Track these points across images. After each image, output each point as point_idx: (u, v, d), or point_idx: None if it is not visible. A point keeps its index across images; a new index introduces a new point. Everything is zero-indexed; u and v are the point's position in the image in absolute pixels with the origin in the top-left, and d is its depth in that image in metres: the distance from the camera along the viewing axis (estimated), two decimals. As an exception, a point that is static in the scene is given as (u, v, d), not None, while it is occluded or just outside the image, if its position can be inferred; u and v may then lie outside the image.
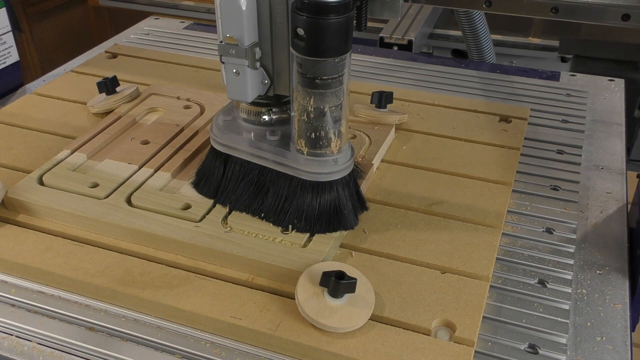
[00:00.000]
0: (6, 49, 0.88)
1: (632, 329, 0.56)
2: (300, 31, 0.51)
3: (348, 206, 0.59)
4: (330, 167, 0.58)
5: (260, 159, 0.60)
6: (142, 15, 1.25)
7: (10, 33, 0.88)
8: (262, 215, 0.60)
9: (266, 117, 0.61)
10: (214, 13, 1.49)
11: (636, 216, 0.65)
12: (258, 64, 0.57)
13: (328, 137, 0.57)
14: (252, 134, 0.61)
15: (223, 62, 0.57)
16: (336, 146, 0.58)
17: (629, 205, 0.69)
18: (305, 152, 0.58)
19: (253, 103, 0.61)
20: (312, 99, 0.55)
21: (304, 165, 0.58)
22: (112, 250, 0.59)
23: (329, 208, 0.59)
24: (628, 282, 0.59)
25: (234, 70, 0.56)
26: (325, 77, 0.53)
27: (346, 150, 0.59)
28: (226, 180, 0.62)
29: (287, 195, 0.59)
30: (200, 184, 0.64)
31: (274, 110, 0.61)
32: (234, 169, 0.62)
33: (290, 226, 0.59)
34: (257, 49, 0.57)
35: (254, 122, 0.62)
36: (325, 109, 0.55)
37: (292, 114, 0.57)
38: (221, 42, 0.56)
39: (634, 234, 0.64)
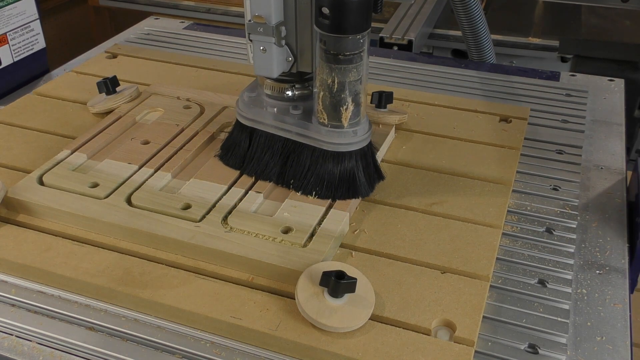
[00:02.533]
0: (34, 35, 0.91)
1: (631, 291, 0.59)
2: (326, 10, 0.56)
3: (365, 175, 0.64)
4: (350, 138, 0.62)
5: (284, 132, 0.65)
6: (142, 15, 1.25)
7: (38, 21, 0.92)
8: (285, 182, 0.64)
9: (289, 93, 0.66)
10: (214, 13, 1.47)
11: (635, 190, 0.67)
12: (283, 42, 0.62)
13: (348, 109, 0.61)
14: (276, 109, 0.66)
15: (251, 40, 0.61)
16: (355, 118, 0.62)
17: (628, 182, 0.71)
18: (326, 124, 0.62)
19: (277, 80, 0.65)
20: (334, 74, 0.59)
21: (325, 136, 0.62)
22: (112, 250, 0.59)
23: (348, 176, 0.63)
24: (627, 247, 0.62)
25: (261, 48, 0.61)
26: (348, 53, 0.58)
27: (364, 122, 0.63)
28: (251, 152, 0.67)
29: (310, 164, 0.63)
30: (227, 156, 0.68)
31: (296, 86, 0.66)
32: (259, 142, 0.66)
33: (313, 192, 0.63)
34: (283, 28, 0.61)
35: (277, 97, 0.66)
36: (346, 83, 0.59)
37: (315, 89, 0.62)
38: (249, 20, 0.60)
39: (633, 206, 0.67)
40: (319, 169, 0.63)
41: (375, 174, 0.66)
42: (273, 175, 0.65)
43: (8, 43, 0.88)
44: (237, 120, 0.68)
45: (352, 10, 0.56)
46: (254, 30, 0.60)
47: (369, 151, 0.65)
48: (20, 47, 0.91)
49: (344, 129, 0.62)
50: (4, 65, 0.88)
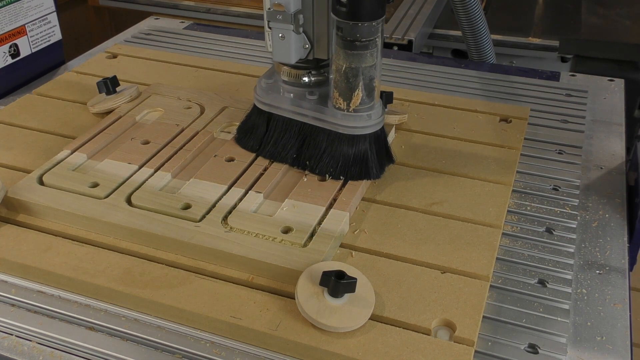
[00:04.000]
0: (51, 27, 0.94)
1: (631, 268, 0.61)
2: None
3: (377, 158, 0.67)
4: (365, 121, 0.65)
5: (300, 116, 0.68)
6: (142, 15, 1.25)
7: (55, 13, 0.95)
8: (301, 163, 0.68)
9: (306, 79, 0.69)
10: (214, 13, 1.47)
11: (634, 175, 0.68)
12: (301, 29, 0.65)
13: (363, 94, 0.63)
14: (292, 94, 0.69)
15: (270, 28, 0.64)
16: (370, 102, 0.64)
17: (627, 165, 0.72)
18: (342, 109, 0.64)
19: (294, 66, 0.68)
20: (350, 60, 0.62)
21: (341, 120, 0.65)
22: (112, 250, 0.59)
23: (361, 158, 0.66)
24: (626, 225, 0.65)
25: (280, 35, 0.64)
26: (363, 39, 0.61)
27: (378, 107, 0.66)
28: (268, 136, 0.70)
29: (325, 147, 0.66)
30: (244, 139, 0.71)
31: (312, 72, 0.69)
32: (276, 126, 0.69)
33: (327, 175, 0.66)
34: (301, 16, 0.64)
35: (294, 83, 0.69)
36: (361, 69, 0.62)
37: (331, 75, 0.64)
38: (269, 9, 0.63)
39: (632, 190, 0.68)
40: (334, 151, 0.66)
41: (386, 157, 0.69)
42: (289, 157, 0.68)
43: (27, 34, 0.91)
44: (254, 106, 0.71)
45: None
46: (273, 18, 0.64)
47: (381, 134, 0.67)
48: (38, 39, 0.93)
49: (359, 112, 0.64)
50: (22, 55, 0.91)
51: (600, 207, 0.69)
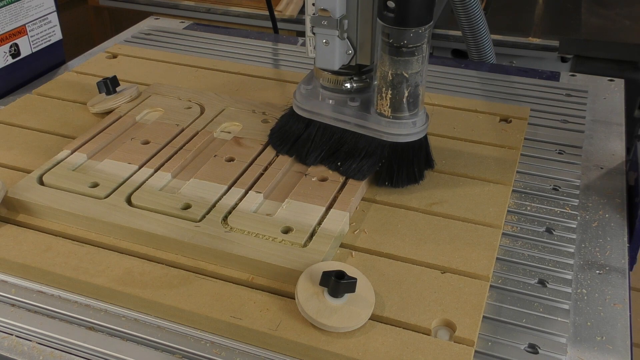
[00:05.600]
0: (51, 27, 0.94)
1: (631, 268, 0.61)
2: (391, 4, 0.58)
3: (419, 164, 0.67)
4: (410, 128, 0.64)
5: (342, 123, 0.67)
6: (142, 15, 1.25)
7: (55, 13, 0.95)
8: (343, 171, 0.66)
9: (348, 85, 0.68)
10: (214, 13, 1.47)
11: (634, 175, 0.68)
12: (345, 35, 0.64)
13: (409, 101, 0.63)
14: (333, 101, 0.68)
15: (314, 33, 0.64)
16: (414, 109, 0.64)
17: (627, 165, 0.72)
18: (387, 115, 0.64)
19: (336, 72, 0.68)
20: (396, 66, 0.61)
21: (385, 127, 0.64)
22: (112, 250, 0.59)
23: (403, 166, 0.66)
24: (627, 225, 0.65)
25: (324, 41, 0.64)
26: (410, 45, 0.60)
27: (422, 114, 0.65)
28: (308, 142, 0.69)
29: (366, 154, 0.66)
30: (280, 146, 0.70)
31: (354, 78, 0.68)
32: (316, 133, 0.68)
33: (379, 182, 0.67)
34: (346, 21, 0.63)
35: (334, 90, 0.69)
36: (408, 75, 0.61)
37: (375, 81, 0.64)
38: (314, 14, 0.63)
39: (632, 189, 0.68)
40: (377, 158, 0.66)
41: (425, 163, 0.68)
42: (332, 165, 0.67)
43: (27, 34, 0.91)
44: (292, 111, 0.70)
45: (417, 3, 0.58)
46: (318, 24, 0.63)
47: (425, 141, 0.67)
48: (38, 39, 0.93)
49: (403, 120, 0.64)
50: (23, 55, 0.91)
51: (600, 207, 0.69)
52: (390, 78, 0.62)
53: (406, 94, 0.62)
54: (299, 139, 0.69)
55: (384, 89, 0.63)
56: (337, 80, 0.68)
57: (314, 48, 0.65)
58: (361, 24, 0.64)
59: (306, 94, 0.69)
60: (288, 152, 0.70)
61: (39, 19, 0.92)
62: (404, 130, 0.64)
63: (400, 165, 0.66)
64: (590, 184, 0.73)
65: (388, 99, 0.63)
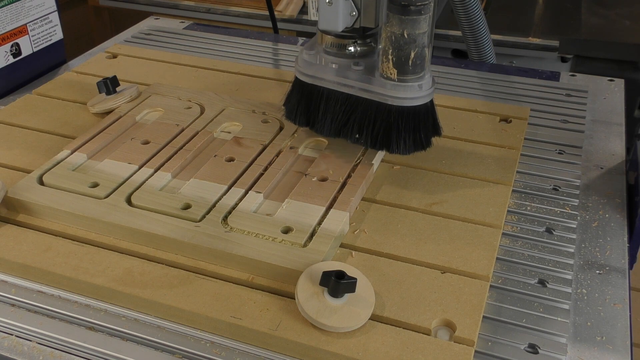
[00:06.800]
0: (52, 27, 0.94)
1: (631, 267, 0.61)
2: None
3: (427, 129, 0.65)
4: (416, 92, 0.62)
5: (346, 87, 0.65)
6: (142, 15, 1.25)
7: (56, 12, 0.95)
8: (351, 136, 0.66)
9: (351, 49, 0.66)
10: (214, 13, 1.47)
11: (634, 174, 0.68)
12: None
13: (415, 63, 0.61)
14: (336, 65, 0.66)
15: None
16: (421, 72, 0.62)
17: (627, 165, 0.72)
18: (392, 78, 0.62)
19: (339, 36, 0.66)
20: (403, 26, 0.60)
21: (390, 90, 0.62)
22: (112, 250, 0.59)
23: (411, 129, 0.64)
24: (627, 225, 0.64)
25: (327, 1, 0.62)
26: (419, 3, 0.59)
27: (428, 77, 0.64)
28: (314, 109, 0.68)
29: (373, 119, 0.64)
30: (293, 116, 0.70)
31: (358, 42, 0.66)
32: (321, 98, 0.67)
33: (377, 145, 0.65)
34: None
35: (337, 54, 0.67)
36: (415, 35, 0.60)
37: (380, 44, 0.62)
38: None
39: (632, 188, 0.68)
40: (382, 122, 0.64)
41: (432, 129, 0.66)
42: (337, 132, 0.66)
43: (28, 34, 0.91)
44: (295, 79, 0.69)
45: None
46: None
47: (431, 106, 0.65)
48: (39, 38, 0.93)
49: (409, 82, 0.62)
50: (24, 55, 0.91)
51: (600, 207, 0.69)
52: (397, 39, 0.60)
53: (412, 56, 0.61)
54: (307, 108, 0.68)
55: (390, 50, 0.61)
56: (340, 43, 0.66)
57: (317, 10, 0.64)
58: None
59: (309, 59, 0.68)
60: (302, 124, 0.69)
61: (40, 19, 0.92)
62: (410, 94, 0.62)
63: (406, 131, 0.64)
64: (590, 184, 0.73)
65: (393, 61, 0.62)
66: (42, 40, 0.94)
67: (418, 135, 0.65)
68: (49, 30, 0.94)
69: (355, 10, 0.64)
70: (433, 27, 0.61)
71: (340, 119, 0.66)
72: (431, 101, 0.65)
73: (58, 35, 0.96)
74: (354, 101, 0.65)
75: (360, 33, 0.66)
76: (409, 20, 0.59)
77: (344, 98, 0.66)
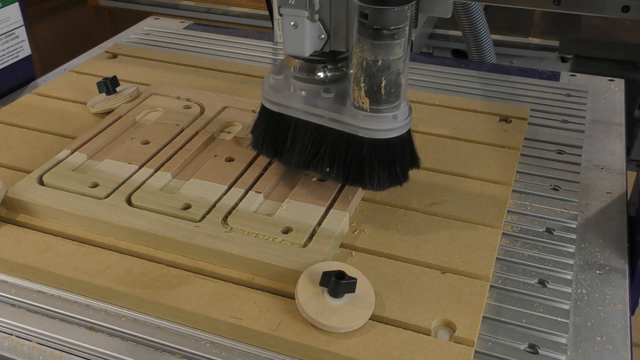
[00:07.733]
0: (19, 43, 0.90)
1: (632, 312, 0.57)
2: None
3: (403, 163, 0.60)
4: (390, 123, 0.57)
5: (315, 117, 0.60)
6: (142, 15, 1.25)
7: (23, 27, 0.90)
8: (321, 170, 0.60)
9: (321, 74, 0.61)
10: (214, 13, 1.47)
11: (636, 206, 0.66)
12: (317, 17, 0.57)
13: (389, 92, 0.56)
14: (305, 92, 0.61)
15: (281, 15, 0.57)
16: (395, 101, 0.57)
17: (629, 196, 0.70)
18: (364, 108, 0.57)
19: (307, 60, 0.60)
20: (375, 51, 0.54)
21: (362, 121, 0.57)
22: (112, 250, 0.59)
23: (386, 164, 0.59)
24: (627, 247, 0.63)
25: (292, 23, 0.57)
26: (392, 27, 0.53)
27: (404, 107, 0.58)
28: (282, 140, 0.62)
29: (346, 152, 0.59)
30: (260, 145, 0.64)
31: (328, 67, 0.61)
32: (289, 128, 0.62)
33: (349, 180, 0.60)
34: (317, 0, 0.57)
35: (307, 80, 0.61)
36: (388, 62, 0.55)
37: (350, 70, 0.57)
38: None
39: (634, 221, 0.65)
40: (355, 155, 0.59)
41: (409, 162, 0.61)
42: (307, 164, 0.61)
43: None
44: (262, 106, 0.64)
45: None
46: (285, 3, 0.56)
47: (408, 137, 0.60)
48: (4, 55, 0.89)
49: (383, 113, 0.57)
50: None
51: (600, 207, 0.69)
52: (369, 65, 0.55)
53: (386, 84, 0.55)
54: (274, 138, 0.63)
55: (361, 78, 0.56)
56: (309, 68, 0.61)
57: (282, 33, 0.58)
58: (335, 4, 0.57)
59: (275, 84, 0.62)
60: (269, 155, 0.64)
61: (5, 35, 0.87)
62: (384, 125, 0.57)
63: (380, 165, 0.59)
64: (590, 184, 0.73)
65: (365, 89, 0.56)
66: (8, 57, 0.89)
67: (393, 169, 0.59)
68: (15, 46, 0.89)
69: (324, 32, 0.58)
70: (408, 52, 0.56)
71: (309, 150, 0.61)
72: (408, 131, 0.60)
73: (26, 51, 0.91)
74: (323, 131, 0.60)
75: (331, 57, 0.61)
76: (382, 46, 0.54)
77: (313, 128, 0.60)
